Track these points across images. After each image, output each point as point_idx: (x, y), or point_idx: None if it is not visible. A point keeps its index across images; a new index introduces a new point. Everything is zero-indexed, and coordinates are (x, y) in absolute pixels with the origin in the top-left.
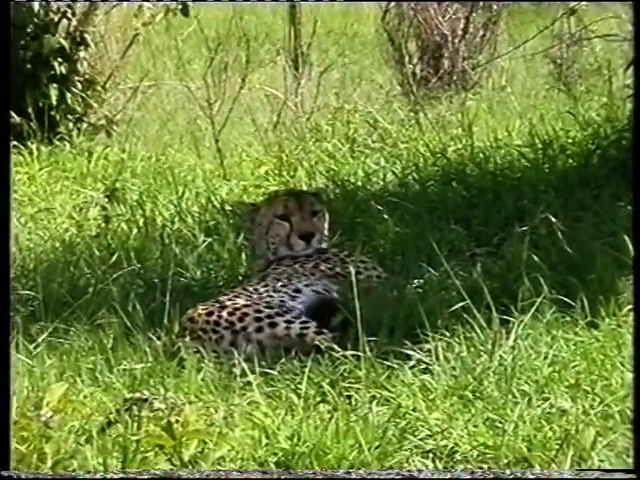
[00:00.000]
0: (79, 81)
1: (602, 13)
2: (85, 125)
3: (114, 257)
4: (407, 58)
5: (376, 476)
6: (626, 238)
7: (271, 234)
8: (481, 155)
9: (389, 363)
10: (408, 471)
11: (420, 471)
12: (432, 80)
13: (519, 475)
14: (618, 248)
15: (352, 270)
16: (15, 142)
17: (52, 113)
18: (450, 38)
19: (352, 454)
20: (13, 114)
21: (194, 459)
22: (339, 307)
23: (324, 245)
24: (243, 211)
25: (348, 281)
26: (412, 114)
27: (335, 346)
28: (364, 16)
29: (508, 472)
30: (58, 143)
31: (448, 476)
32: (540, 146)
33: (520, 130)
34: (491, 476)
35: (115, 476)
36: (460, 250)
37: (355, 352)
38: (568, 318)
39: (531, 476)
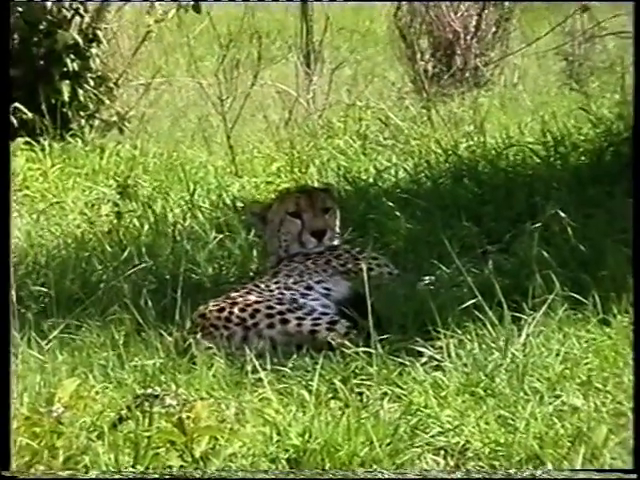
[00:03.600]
0: (91, 77)
1: (615, 10)
2: (97, 122)
3: (125, 253)
4: (419, 55)
5: (387, 476)
6: None
7: (283, 231)
8: (493, 152)
9: (401, 360)
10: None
11: (428, 471)
12: (444, 77)
13: (518, 475)
14: (630, 245)
15: (364, 267)
16: (27, 138)
17: (64, 109)
18: (462, 35)
19: (363, 451)
20: (25, 110)
21: (205, 455)
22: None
23: (336, 242)
24: (254, 210)
25: (360, 278)
26: (424, 111)
27: (347, 343)
28: (376, 13)
29: (500, 472)
30: (70, 139)
31: (458, 475)
32: (552, 143)
33: (532, 127)
34: (478, 475)
35: (121, 476)
36: (472, 247)
37: (367, 349)
38: (580, 315)
39: (529, 476)
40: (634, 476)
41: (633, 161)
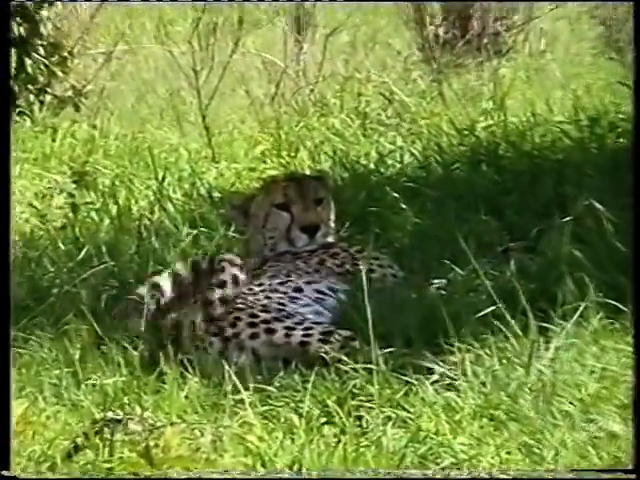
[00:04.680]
0: (41, 45)
1: None
2: (49, 97)
3: (82, 253)
4: (429, 19)
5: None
6: None
7: (268, 226)
8: (516, 133)
9: (407, 378)
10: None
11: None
12: (458, 44)
13: (518, 475)
14: None
15: (363, 268)
16: None
17: (10, 83)
18: None
19: None
20: None
21: None
22: None
23: (330, 239)
24: (235, 202)
25: (358, 281)
26: (434, 85)
27: (343, 357)
28: None
29: (501, 473)
30: (17, 118)
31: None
32: (586, 122)
33: (562, 103)
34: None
35: None
36: (491, 245)
37: (367, 365)
38: (618, 325)
39: (530, 476)
40: (634, 476)
41: (633, 161)
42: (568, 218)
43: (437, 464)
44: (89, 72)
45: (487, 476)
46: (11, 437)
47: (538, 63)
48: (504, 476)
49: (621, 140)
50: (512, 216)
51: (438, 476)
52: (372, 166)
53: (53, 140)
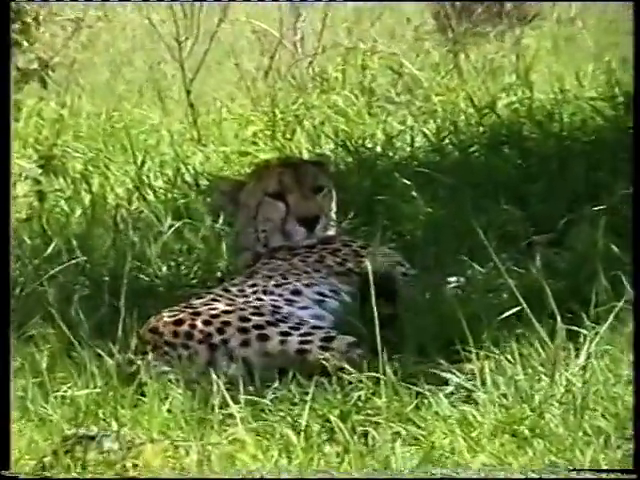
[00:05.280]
0: None
1: None
2: (12, 72)
3: (51, 247)
4: None
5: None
6: None
7: (261, 218)
8: (542, 111)
9: (418, 389)
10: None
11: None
12: (477, 11)
13: (519, 475)
14: None
15: (369, 266)
16: None
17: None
18: None
19: None
20: None
21: None
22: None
23: (331, 233)
24: (224, 189)
25: (363, 280)
26: (450, 56)
27: (347, 366)
28: None
29: (502, 473)
30: None
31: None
32: (621, 99)
33: (594, 78)
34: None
35: None
36: (514, 238)
37: (374, 374)
38: None
39: (530, 476)
40: (634, 476)
41: (633, 161)
42: (601, 207)
43: None
44: (57, 42)
45: (488, 476)
46: (11, 437)
47: (567, 31)
48: (505, 476)
49: None
50: (537, 205)
51: (438, 476)
52: (379, 149)
53: (16, 120)
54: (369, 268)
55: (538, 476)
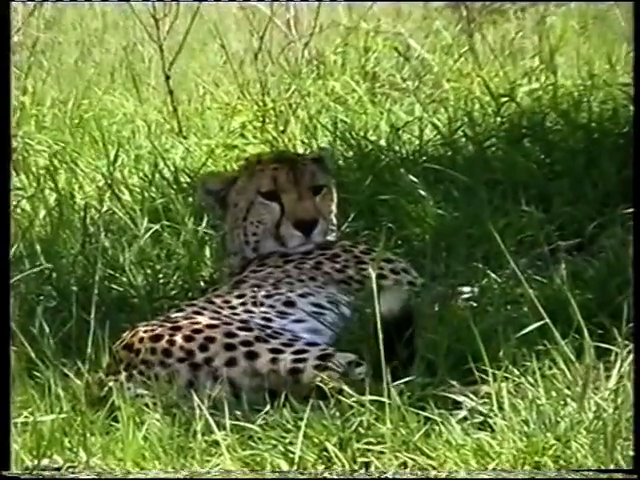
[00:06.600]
0: None
1: None
2: None
3: (11, 252)
4: None
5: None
6: None
7: (252, 219)
8: (568, 100)
9: (427, 414)
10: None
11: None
12: None
13: (519, 475)
14: None
15: (372, 273)
16: None
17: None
18: None
19: None
20: None
21: None
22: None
23: (330, 237)
24: (209, 187)
25: (366, 290)
26: (464, 37)
27: (346, 387)
28: None
29: (502, 473)
30: None
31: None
32: None
33: (628, 61)
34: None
35: None
36: (535, 243)
37: (377, 397)
38: None
39: (530, 476)
40: (634, 476)
41: (633, 160)
42: (634, 209)
43: None
44: (16, 19)
45: (490, 476)
46: (11, 437)
47: (597, 9)
48: (505, 477)
49: None
50: (562, 207)
51: (438, 476)
52: (383, 142)
53: None
54: (372, 276)
55: (540, 476)
